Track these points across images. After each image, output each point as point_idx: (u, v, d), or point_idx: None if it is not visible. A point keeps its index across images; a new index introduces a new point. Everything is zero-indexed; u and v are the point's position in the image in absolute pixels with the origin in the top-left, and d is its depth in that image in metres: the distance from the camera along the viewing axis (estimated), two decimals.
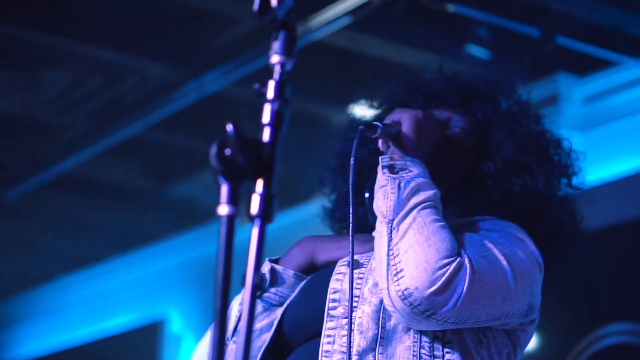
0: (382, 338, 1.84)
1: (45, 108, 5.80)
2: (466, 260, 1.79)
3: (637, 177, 4.63)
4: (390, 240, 1.81)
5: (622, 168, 4.70)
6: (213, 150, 1.20)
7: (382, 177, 1.89)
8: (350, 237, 1.85)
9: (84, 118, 5.82)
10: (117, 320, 7.89)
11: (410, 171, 1.89)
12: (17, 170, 6.34)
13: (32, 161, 6.22)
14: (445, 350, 1.84)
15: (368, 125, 1.91)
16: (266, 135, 1.25)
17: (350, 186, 1.86)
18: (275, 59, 1.31)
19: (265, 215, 1.21)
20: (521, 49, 4.78)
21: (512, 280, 1.84)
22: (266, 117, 1.26)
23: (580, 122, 4.90)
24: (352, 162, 1.87)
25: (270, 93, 1.28)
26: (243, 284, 1.19)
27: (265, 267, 2.03)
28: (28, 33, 4.98)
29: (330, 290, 1.90)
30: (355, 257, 1.96)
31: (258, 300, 2.00)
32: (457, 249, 1.80)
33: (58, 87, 5.62)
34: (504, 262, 1.84)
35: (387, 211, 1.84)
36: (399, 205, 1.83)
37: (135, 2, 4.72)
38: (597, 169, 4.44)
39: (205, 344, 2.05)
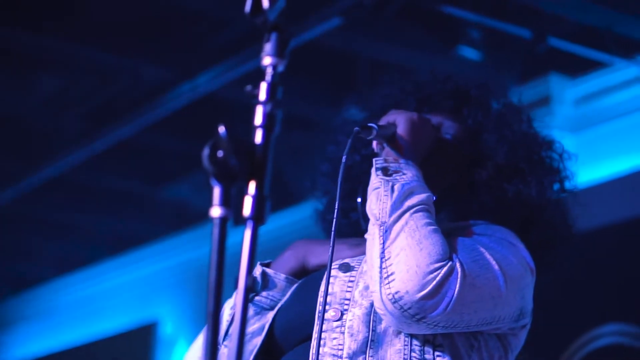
0: (372, 341, 1.83)
1: (38, 110, 5.79)
2: (457, 265, 1.78)
3: (630, 178, 4.64)
4: (382, 243, 1.81)
5: (614, 169, 4.71)
6: (205, 152, 1.20)
7: (375, 179, 1.89)
8: (332, 236, 1.84)
9: (77, 120, 5.81)
10: (110, 323, 7.88)
11: (404, 174, 1.88)
12: (10, 173, 6.33)
13: (24, 163, 6.21)
14: (436, 353, 1.84)
15: (363, 126, 1.91)
16: (258, 137, 1.25)
17: (339, 183, 1.86)
18: (267, 60, 1.31)
19: (258, 217, 1.21)
20: (513, 50, 4.78)
21: (503, 284, 1.83)
22: (258, 119, 1.26)
23: (572, 123, 4.91)
24: (343, 159, 1.86)
25: (262, 95, 1.27)
26: (236, 286, 1.19)
27: (257, 271, 2.02)
28: (20, 35, 4.97)
29: (320, 293, 1.89)
30: (347, 260, 1.95)
31: (249, 304, 1.99)
32: (448, 253, 1.79)
33: (51, 89, 5.62)
34: (496, 267, 1.83)
35: (379, 214, 1.83)
36: (392, 208, 1.83)
37: (129, 3, 4.71)
38: (589, 170, 4.46)
39: (198, 347, 2.04)
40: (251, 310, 1.98)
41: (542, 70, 4.90)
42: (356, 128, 1.89)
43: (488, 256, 1.84)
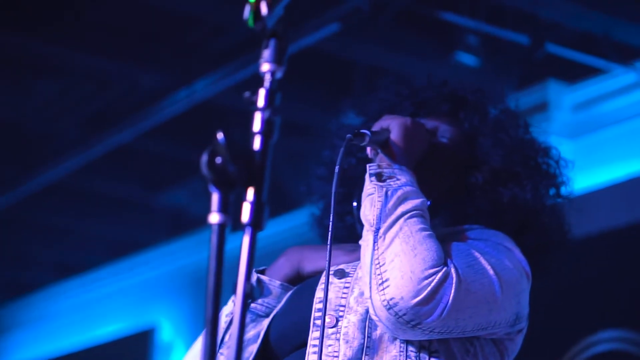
0: (368, 347, 1.83)
1: (36, 116, 5.79)
2: (452, 270, 1.78)
3: (627, 184, 4.65)
4: (376, 249, 1.80)
5: (612, 175, 4.72)
6: (204, 158, 1.20)
7: (369, 185, 1.89)
8: (329, 245, 1.83)
9: (75, 125, 5.81)
10: (108, 328, 7.88)
11: (398, 179, 1.88)
12: (7, 178, 6.33)
13: (21, 169, 6.21)
14: (432, 359, 1.84)
15: (356, 133, 1.90)
16: (257, 143, 1.25)
17: (333, 194, 1.85)
18: (265, 67, 1.31)
19: (256, 223, 1.21)
20: (511, 56, 4.79)
21: (498, 289, 1.83)
22: (257, 125, 1.26)
23: (570, 129, 4.92)
24: (336, 170, 1.86)
25: (260, 101, 1.28)
26: (234, 292, 1.19)
27: (252, 278, 2.01)
28: (18, 40, 4.98)
29: (316, 299, 1.89)
30: (342, 266, 1.95)
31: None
32: (443, 259, 1.79)
33: (48, 95, 5.62)
34: (491, 272, 1.83)
35: (373, 220, 1.83)
36: (386, 213, 1.83)
37: (126, 9, 4.71)
38: (587, 176, 4.46)
39: (194, 353, 2.03)
40: (247, 318, 1.98)
41: (539, 77, 4.91)
42: (348, 135, 1.89)
43: (483, 261, 1.84)
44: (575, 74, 4.91)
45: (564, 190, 2.12)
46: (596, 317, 4.51)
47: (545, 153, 2.12)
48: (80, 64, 5.23)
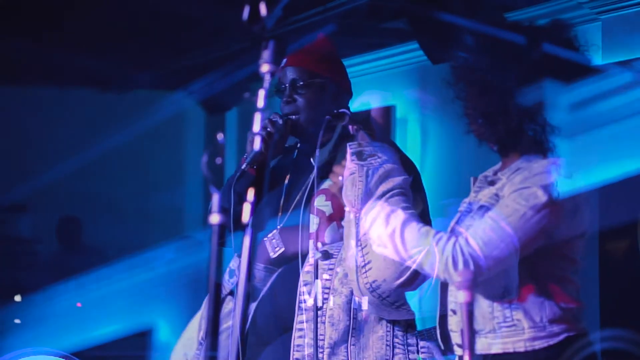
0: (354, 329, 1.83)
1: (34, 117, 5.78)
2: (435, 250, 1.78)
3: (625, 183, 4.64)
4: (358, 231, 1.80)
5: (609, 174, 4.71)
6: (204, 159, 1.21)
7: (350, 164, 1.88)
8: (313, 234, 1.83)
9: (74, 126, 5.80)
10: (105, 330, 7.85)
11: (379, 157, 1.87)
12: (6, 179, 6.32)
13: (20, 170, 6.19)
14: (419, 337, 1.84)
15: (335, 113, 1.90)
16: (257, 143, 1.25)
17: (316, 168, 1.85)
18: (265, 68, 1.31)
19: (256, 223, 1.21)
20: (508, 56, 4.78)
21: (484, 266, 1.83)
22: (257, 126, 1.26)
23: (567, 129, 4.91)
24: (317, 153, 1.86)
25: (260, 102, 1.28)
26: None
27: (235, 263, 2.02)
28: (16, 44, 4.97)
29: (301, 282, 1.89)
30: (325, 247, 1.95)
31: (230, 297, 1.98)
32: (427, 238, 1.79)
33: (48, 96, 5.61)
34: (477, 249, 1.83)
35: (354, 200, 1.82)
36: (367, 193, 1.82)
37: (124, 11, 4.71)
38: (584, 175, 4.45)
39: (185, 339, 2.03)
40: (232, 303, 1.97)
41: (536, 76, 4.89)
42: (327, 117, 1.89)
43: (469, 238, 1.83)
44: (572, 73, 4.89)
45: (550, 156, 2.13)
46: (594, 316, 4.51)
47: (530, 119, 2.13)
48: (77, 65, 5.23)
